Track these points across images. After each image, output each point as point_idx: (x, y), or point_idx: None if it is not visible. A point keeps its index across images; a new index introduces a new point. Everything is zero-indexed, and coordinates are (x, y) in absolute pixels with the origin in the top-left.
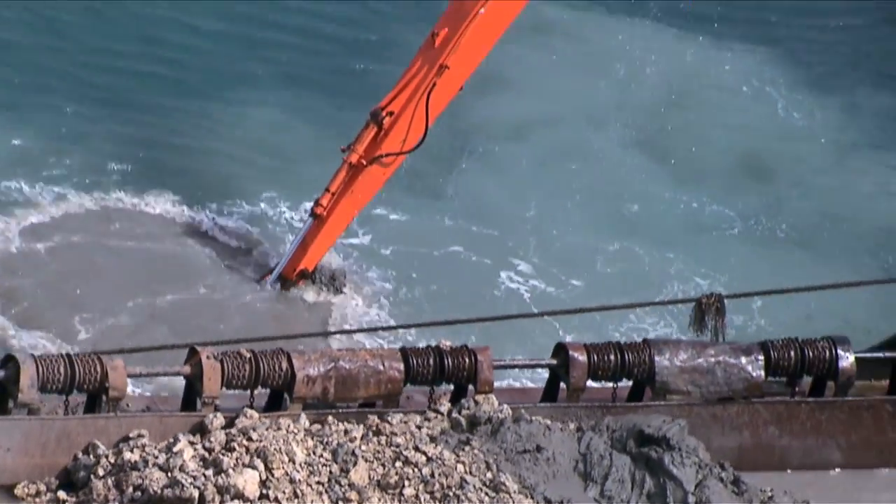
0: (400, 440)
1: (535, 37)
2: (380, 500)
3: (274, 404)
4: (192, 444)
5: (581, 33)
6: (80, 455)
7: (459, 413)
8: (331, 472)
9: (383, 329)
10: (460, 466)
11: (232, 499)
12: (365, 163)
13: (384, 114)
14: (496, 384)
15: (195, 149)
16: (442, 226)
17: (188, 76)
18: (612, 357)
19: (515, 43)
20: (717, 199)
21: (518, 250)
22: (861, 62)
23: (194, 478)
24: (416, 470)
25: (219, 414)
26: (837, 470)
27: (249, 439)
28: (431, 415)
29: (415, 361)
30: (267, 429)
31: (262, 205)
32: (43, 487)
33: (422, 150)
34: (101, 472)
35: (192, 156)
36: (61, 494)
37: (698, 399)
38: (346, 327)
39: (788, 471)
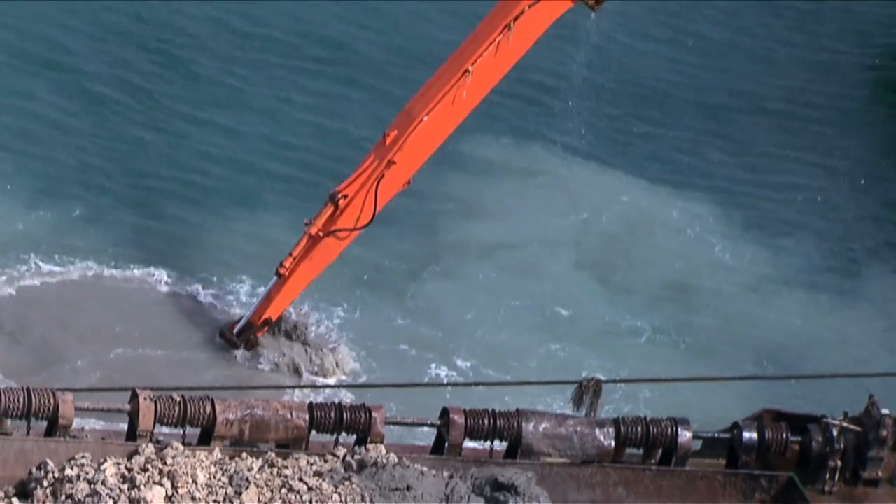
0: (288, 472)
1: (522, 177)
2: None
3: (203, 441)
4: (117, 464)
5: (560, 177)
6: (33, 470)
7: (352, 457)
8: (226, 493)
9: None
10: (336, 496)
11: None
12: (322, 235)
13: (340, 196)
14: (408, 441)
15: (193, 243)
16: (394, 325)
17: (201, 194)
18: (485, 421)
19: (503, 180)
20: (637, 314)
21: (456, 348)
22: (801, 224)
23: (111, 489)
24: (297, 496)
25: (150, 444)
26: None
27: (164, 463)
28: (329, 457)
29: (318, 413)
30: (184, 457)
31: (238, 288)
32: (1, 494)
33: (394, 260)
34: (45, 483)
35: (188, 248)
36: (14, 501)
37: (559, 460)
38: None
39: None
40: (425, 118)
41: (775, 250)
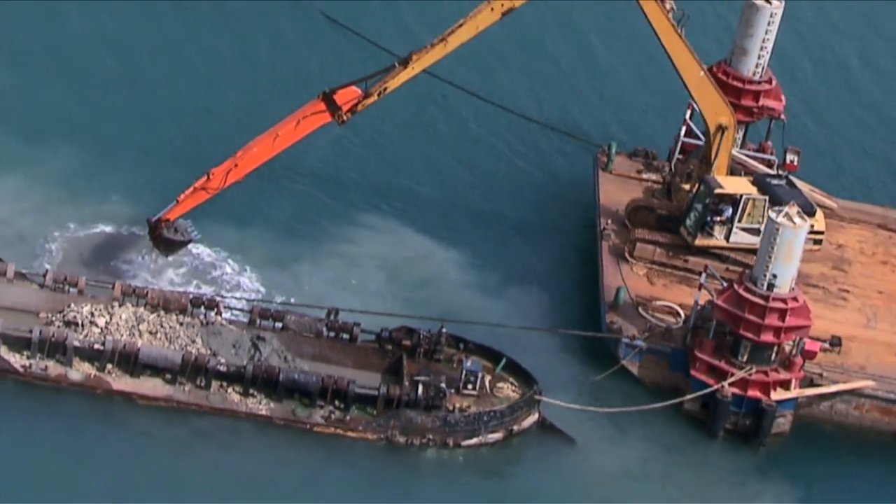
0: (164, 318)
1: (374, 231)
2: (148, 339)
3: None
4: (91, 306)
5: (392, 236)
6: (65, 307)
7: (203, 318)
8: (132, 323)
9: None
10: (182, 331)
11: (91, 325)
12: (198, 189)
13: (210, 173)
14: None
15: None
16: (276, 277)
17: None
18: (267, 312)
19: (365, 233)
20: (398, 295)
21: (302, 290)
22: (504, 266)
23: (82, 316)
24: (162, 328)
25: (117, 303)
26: (351, 368)
27: (111, 308)
28: (195, 318)
29: (194, 299)
30: (124, 308)
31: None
32: (46, 315)
33: (297, 255)
34: (65, 311)
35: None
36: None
37: (303, 334)
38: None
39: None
40: (255, 149)
41: (484, 275)
